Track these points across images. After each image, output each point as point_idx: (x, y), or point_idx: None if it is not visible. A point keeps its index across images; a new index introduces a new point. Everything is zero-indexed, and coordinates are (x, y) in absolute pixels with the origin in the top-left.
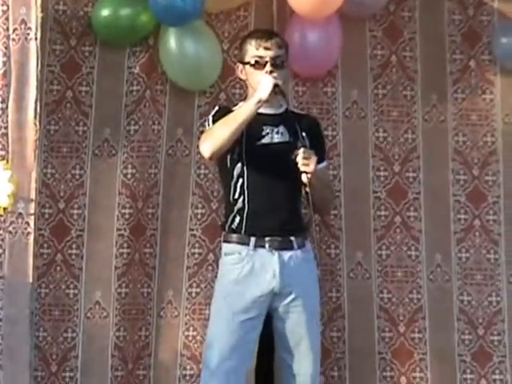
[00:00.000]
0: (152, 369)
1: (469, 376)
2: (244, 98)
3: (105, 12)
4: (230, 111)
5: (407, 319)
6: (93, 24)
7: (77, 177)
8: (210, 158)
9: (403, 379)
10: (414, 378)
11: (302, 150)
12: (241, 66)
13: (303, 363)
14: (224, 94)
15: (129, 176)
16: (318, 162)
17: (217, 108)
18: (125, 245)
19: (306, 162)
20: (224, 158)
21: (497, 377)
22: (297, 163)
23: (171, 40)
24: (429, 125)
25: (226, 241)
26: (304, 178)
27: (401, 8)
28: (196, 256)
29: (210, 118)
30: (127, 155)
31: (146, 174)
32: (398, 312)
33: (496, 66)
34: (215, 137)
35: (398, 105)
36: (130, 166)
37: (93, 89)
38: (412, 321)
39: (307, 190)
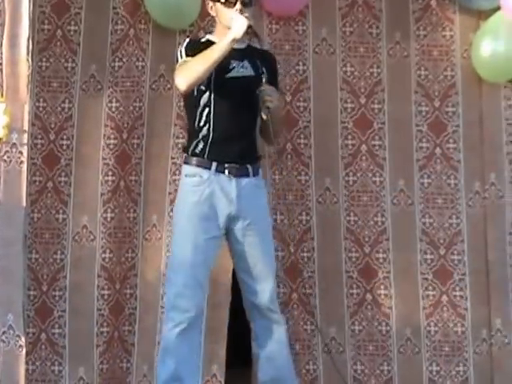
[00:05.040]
0: (138, 288)
1: (431, 292)
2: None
3: None
4: (199, 43)
5: (372, 240)
6: None
7: (66, 110)
8: (185, 91)
9: (368, 296)
10: (379, 294)
11: (266, 86)
12: (211, 2)
13: (261, 282)
14: (202, 32)
15: (113, 109)
16: None
17: (188, 40)
18: (110, 173)
19: (270, 99)
20: None
21: (457, 293)
22: (259, 97)
23: None
24: (393, 60)
25: (187, 163)
26: (266, 112)
27: None
28: (176, 183)
29: (183, 50)
30: (112, 90)
31: (130, 107)
32: (364, 234)
33: (455, 5)
34: (190, 71)
35: (364, 41)
36: (114, 100)
37: (81, 28)
38: (376, 242)
39: (268, 122)
